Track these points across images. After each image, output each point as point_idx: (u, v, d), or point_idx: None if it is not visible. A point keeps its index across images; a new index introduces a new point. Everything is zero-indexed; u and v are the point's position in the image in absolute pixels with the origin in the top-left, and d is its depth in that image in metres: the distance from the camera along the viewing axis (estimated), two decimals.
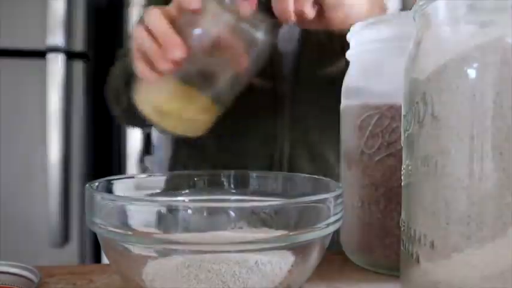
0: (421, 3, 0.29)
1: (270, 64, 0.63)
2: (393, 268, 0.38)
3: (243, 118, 0.65)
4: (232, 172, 0.44)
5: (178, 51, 0.43)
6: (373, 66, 0.42)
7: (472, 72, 0.25)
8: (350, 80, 0.45)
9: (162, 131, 0.52)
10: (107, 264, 0.41)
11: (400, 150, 0.33)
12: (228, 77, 0.49)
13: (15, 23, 1.32)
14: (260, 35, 0.48)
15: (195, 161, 0.72)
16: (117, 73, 0.70)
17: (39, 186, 1.33)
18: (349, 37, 0.45)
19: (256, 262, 0.32)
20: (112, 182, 0.39)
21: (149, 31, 0.46)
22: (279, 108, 0.65)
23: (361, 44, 0.44)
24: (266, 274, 0.32)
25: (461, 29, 0.27)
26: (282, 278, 0.33)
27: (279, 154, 0.66)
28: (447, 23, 0.28)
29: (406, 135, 0.31)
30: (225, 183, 0.44)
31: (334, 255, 0.45)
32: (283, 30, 0.66)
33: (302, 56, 0.65)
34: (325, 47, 0.63)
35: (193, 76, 0.47)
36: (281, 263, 0.33)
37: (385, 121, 0.40)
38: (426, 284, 0.28)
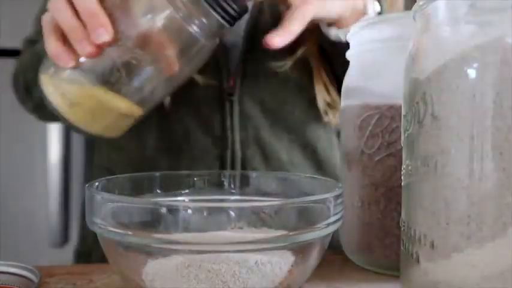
0: (421, 3, 0.29)
1: (215, 59, 0.60)
2: (393, 268, 0.38)
3: (187, 116, 0.62)
4: (233, 172, 0.44)
5: (105, 35, 0.37)
6: (373, 66, 0.42)
7: (472, 72, 0.25)
8: (350, 80, 0.45)
9: (73, 128, 0.44)
10: (107, 264, 0.41)
11: (400, 150, 0.33)
12: (155, 78, 0.42)
13: (16, 23, 1.32)
14: (203, 37, 0.41)
15: (120, 164, 0.67)
16: (26, 62, 0.62)
17: (39, 186, 1.33)
18: (349, 37, 0.45)
19: (256, 262, 0.32)
20: (112, 182, 0.39)
21: (72, 4, 0.39)
22: (227, 107, 0.62)
23: (361, 44, 0.44)
24: (266, 274, 0.32)
25: (461, 29, 0.27)
26: (282, 278, 0.33)
27: (231, 155, 0.63)
28: (447, 23, 0.28)
29: (406, 135, 0.31)
30: (225, 183, 0.44)
31: (334, 255, 0.45)
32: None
33: (249, 50, 0.62)
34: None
35: (114, 71, 0.40)
36: (281, 263, 0.33)
37: (385, 121, 0.40)
38: (426, 284, 0.28)
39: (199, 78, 0.60)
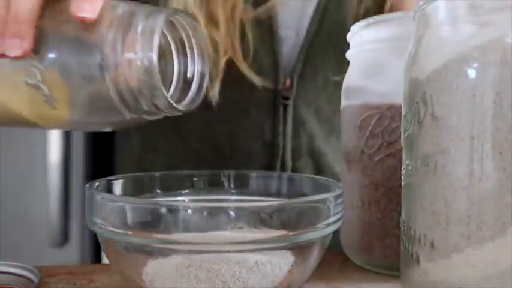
0: (421, 3, 0.29)
1: (272, 60, 0.56)
2: (393, 268, 0.38)
3: (234, 118, 0.58)
4: (232, 172, 0.44)
5: (17, 49, 0.32)
6: (373, 66, 0.42)
7: (472, 72, 0.25)
8: (350, 80, 0.45)
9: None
10: (107, 264, 0.41)
11: (400, 150, 0.33)
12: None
13: None
14: (129, 113, 0.33)
15: (156, 165, 0.62)
16: None
17: (39, 186, 1.33)
18: (349, 37, 0.45)
19: (256, 262, 0.32)
20: (112, 182, 0.39)
21: None
22: (280, 111, 0.58)
23: (361, 44, 0.44)
24: (266, 274, 0.32)
25: (461, 29, 0.27)
26: (282, 278, 0.33)
27: (281, 165, 0.58)
28: (447, 23, 0.28)
29: (406, 135, 0.31)
30: (225, 183, 0.44)
31: (334, 255, 0.45)
32: (290, 14, 0.58)
33: (309, 52, 0.58)
34: (335, 40, 0.56)
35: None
36: (281, 263, 0.33)
37: (385, 121, 0.40)
38: (426, 284, 0.28)
39: (256, 80, 0.56)
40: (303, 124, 0.59)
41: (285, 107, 0.58)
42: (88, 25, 0.31)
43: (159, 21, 0.32)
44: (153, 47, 0.31)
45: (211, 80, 0.54)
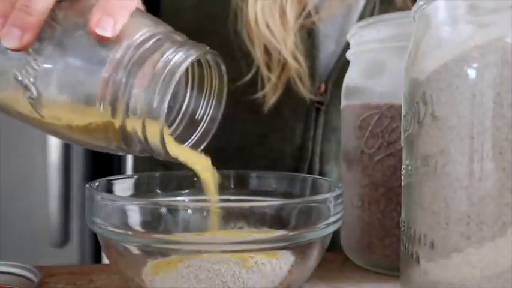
0: (421, 3, 0.29)
1: (311, 65, 0.57)
2: (393, 268, 0.38)
3: (265, 118, 0.57)
4: (232, 172, 0.44)
5: (16, 40, 0.28)
6: (373, 66, 0.42)
7: (472, 72, 0.25)
8: (350, 80, 0.45)
9: None
10: (107, 264, 0.41)
11: (400, 150, 0.33)
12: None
13: None
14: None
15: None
16: None
17: (39, 187, 1.33)
18: (349, 37, 0.45)
19: (256, 262, 0.32)
20: (112, 182, 0.39)
21: None
22: (313, 117, 0.58)
23: (361, 44, 0.44)
24: (266, 274, 0.32)
25: (461, 29, 0.27)
26: (282, 278, 0.33)
27: (308, 168, 0.59)
28: (447, 23, 0.28)
29: (406, 135, 0.31)
30: (225, 183, 0.44)
31: (334, 255, 0.45)
32: (332, 21, 0.58)
33: (346, 60, 0.57)
34: None
35: None
36: (281, 263, 0.33)
37: (385, 121, 0.40)
38: (426, 284, 0.28)
39: (301, 87, 0.56)
40: (334, 130, 0.59)
41: (318, 111, 0.58)
42: (103, 40, 0.28)
43: (184, 63, 0.28)
44: (167, 93, 0.28)
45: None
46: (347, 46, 0.56)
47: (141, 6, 0.33)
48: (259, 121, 0.59)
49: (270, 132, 0.59)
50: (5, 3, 0.29)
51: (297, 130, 0.58)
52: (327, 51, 0.59)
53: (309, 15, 0.57)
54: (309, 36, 0.58)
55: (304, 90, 0.56)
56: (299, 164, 0.59)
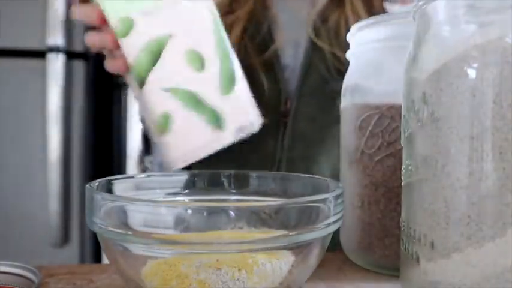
0: (421, 3, 0.29)
1: (274, 85, 0.62)
2: (393, 268, 0.38)
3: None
4: (232, 172, 0.44)
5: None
6: (373, 66, 0.42)
7: (472, 72, 0.25)
8: (350, 80, 0.45)
9: None
10: (107, 264, 0.41)
11: (400, 150, 0.33)
12: None
13: (15, 23, 1.32)
14: None
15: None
16: None
17: (39, 186, 1.33)
18: (349, 37, 0.45)
19: (256, 262, 0.32)
20: (112, 182, 0.39)
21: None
22: (283, 126, 0.63)
23: (361, 44, 0.44)
24: (266, 274, 0.32)
25: (461, 29, 0.27)
26: (282, 278, 0.33)
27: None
28: (447, 23, 0.28)
29: (406, 135, 0.31)
30: (225, 183, 0.44)
31: (334, 255, 0.45)
32: (289, 44, 0.64)
33: (309, 70, 0.63)
34: (330, 63, 0.62)
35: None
36: (281, 263, 0.33)
37: (385, 121, 0.40)
38: (426, 284, 0.28)
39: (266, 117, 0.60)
40: (300, 136, 0.64)
41: (285, 124, 0.64)
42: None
43: None
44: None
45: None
46: (305, 63, 0.63)
47: None
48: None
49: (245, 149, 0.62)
50: None
51: (269, 141, 0.64)
52: (289, 69, 0.65)
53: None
54: (273, 64, 0.64)
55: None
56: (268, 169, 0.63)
